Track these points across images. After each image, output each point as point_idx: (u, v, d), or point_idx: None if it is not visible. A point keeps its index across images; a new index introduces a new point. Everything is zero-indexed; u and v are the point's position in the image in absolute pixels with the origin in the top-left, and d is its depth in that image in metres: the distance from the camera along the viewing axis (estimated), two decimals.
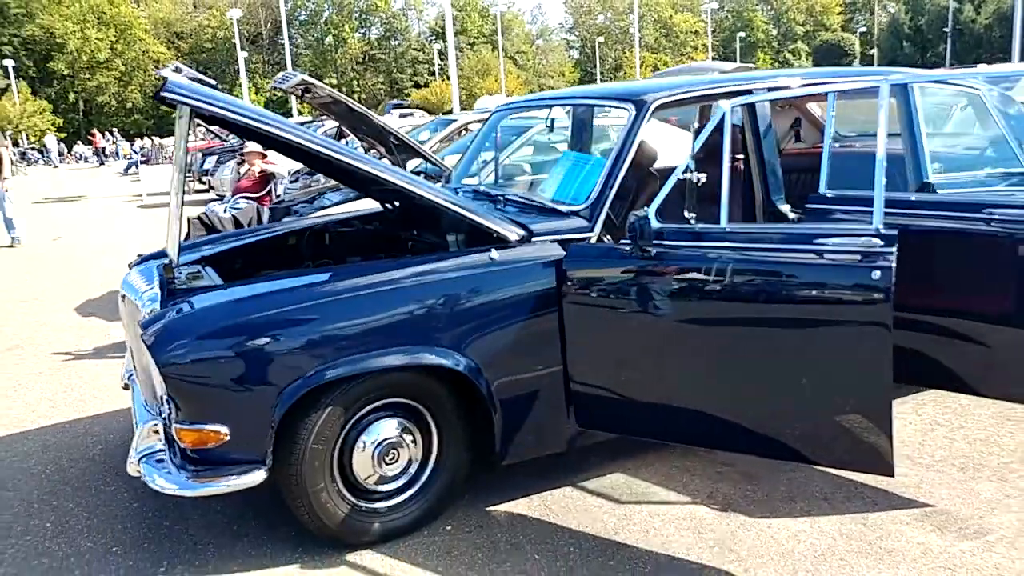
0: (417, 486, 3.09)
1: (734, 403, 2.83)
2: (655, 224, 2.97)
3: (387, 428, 3.00)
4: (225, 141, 20.84)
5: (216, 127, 7.13)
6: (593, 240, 3.26)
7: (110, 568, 2.93)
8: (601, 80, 73.60)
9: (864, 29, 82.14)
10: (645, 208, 2.93)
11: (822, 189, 3.62)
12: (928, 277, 3.25)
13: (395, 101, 40.25)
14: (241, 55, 47.90)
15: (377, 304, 2.88)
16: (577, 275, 3.02)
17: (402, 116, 19.03)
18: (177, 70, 3.37)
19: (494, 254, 3.07)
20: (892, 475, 2.68)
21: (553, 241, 3.18)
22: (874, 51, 73.95)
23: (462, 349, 2.97)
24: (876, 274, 2.48)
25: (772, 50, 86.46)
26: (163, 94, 2.82)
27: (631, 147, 3.36)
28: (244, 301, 2.87)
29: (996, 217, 3.11)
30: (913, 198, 3.41)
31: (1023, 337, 3.06)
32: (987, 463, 3.43)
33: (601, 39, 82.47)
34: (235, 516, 3.25)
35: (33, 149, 39.20)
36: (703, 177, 2.88)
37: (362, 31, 72.45)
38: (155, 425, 2.96)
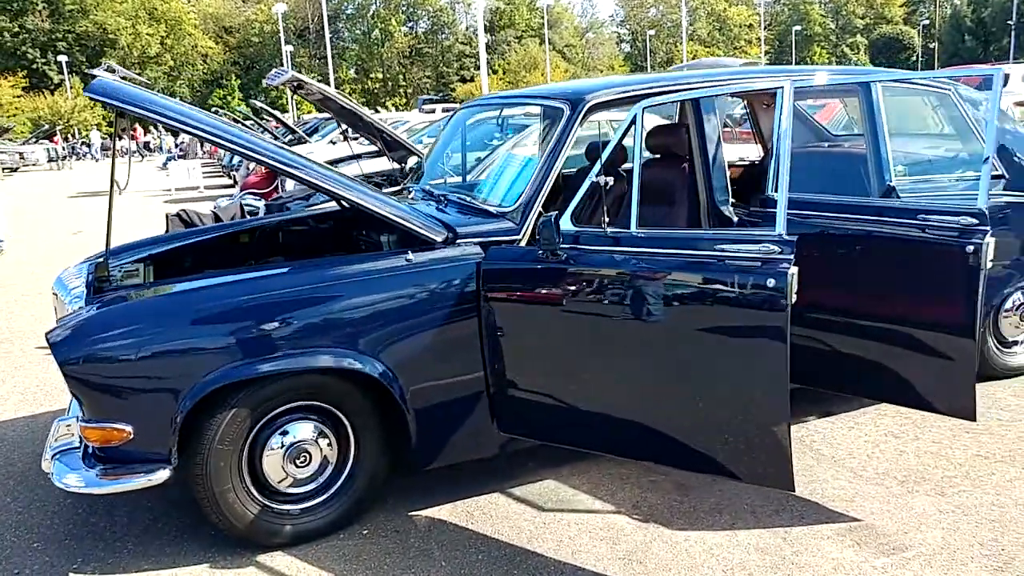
0: (333, 489, 3.08)
1: (640, 411, 2.76)
2: (570, 228, 2.92)
3: (301, 431, 3.00)
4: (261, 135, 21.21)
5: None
6: (523, 243, 3.20)
7: (27, 563, 2.98)
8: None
9: (927, 22, 79.84)
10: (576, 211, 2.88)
11: (769, 191, 3.52)
12: (856, 283, 3.14)
13: (425, 96, 40.32)
14: (286, 49, 48.55)
15: (283, 307, 2.87)
16: (493, 278, 2.98)
17: (423, 112, 19.04)
18: (110, 70, 3.41)
19: (410, 256, 3.03)
20: (793, 490, 2.59)
21: (478, 243, 3.14)
22: (935, 45, 71.97)
23: (375, 353, 2.95)
24: (771, 281, 2.40)
25: (830, 44, 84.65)
26: (86, 93, 2.87)
27: (563, 148, 3.30)
28: (147, 302, 2.89)
29: (929, 223, 2.98)
30: (841, 201, 3.29)
31: (960, 344, 2.93)
32: (930, 476, 3.30)
33: (652, 32, 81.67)
34: (161, 513, 3.28)
35: (83, 144, 40.23)
36: (611, 181, 2.80)
37: (409, 25, 72.80)
38: (69, 423, 3.00)
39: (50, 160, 32.69)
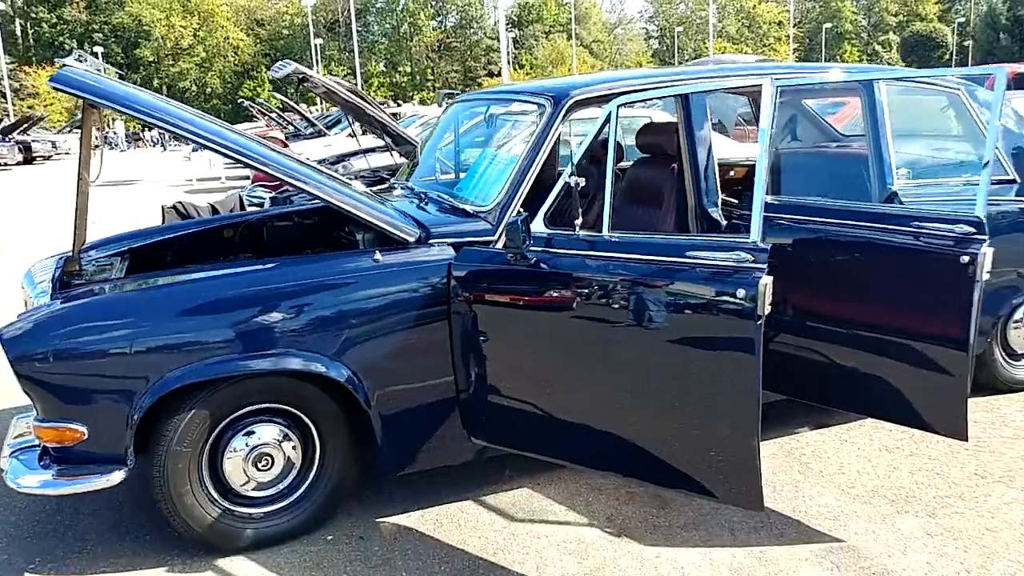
0: (297, 494, 3.00)
1: (609, 423, 2.65)
2: (543, 230, 2.81)
3: (264, 433, 2.92)
4: (283, 127, 21.28)
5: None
6: (499, 245, 3.09)
7: None
8: None
9: (963, 19, 78.29)
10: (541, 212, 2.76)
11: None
12: (848, 291, 2.99)
13: (446, 91, 40.28)
14: (316, 42, 48.80)
15: (243, 307, 2.79)
16: (463, 280, 2.88)
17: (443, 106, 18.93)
18: (80, 59, 3.35)
19: (378, 256, 2.94)
20: (762, 509, 2.46)
21: (452, 244, 3.03)
22: (969, 43, 70.59)
23: (339, 355, 2.85)
24: (742, 291, 2.27)
25: (861, 42, 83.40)
26: (51, 83, 2.80)
27: (545, 145, 3.18)
28: (104, 300, 2.82)
29: (925, 231, 2.83)
30: (834, 206, 3.14)
31: (952, 360, 2.77)
32: (922, 496, 3.15)
33: (680, 29, 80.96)
34: (125, 514, 3.23)
35: (113, 133, 40.71)
36: (582, 181, 2.68)
37: (438, 20, 72.80)
38: (28, 420, 2.94)
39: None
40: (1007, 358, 4.08)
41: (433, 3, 71.87)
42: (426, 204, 3.51)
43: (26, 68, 53.93)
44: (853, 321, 3.02)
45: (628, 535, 2.96)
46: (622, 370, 2.56)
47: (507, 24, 74.40)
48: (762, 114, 2.47)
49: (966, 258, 2.67)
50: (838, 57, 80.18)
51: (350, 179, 7.61)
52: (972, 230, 2.71)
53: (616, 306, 2.53)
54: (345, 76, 59.28)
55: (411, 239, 3.01)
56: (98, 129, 3.25)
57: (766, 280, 2.27)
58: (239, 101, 33.93)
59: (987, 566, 2.69)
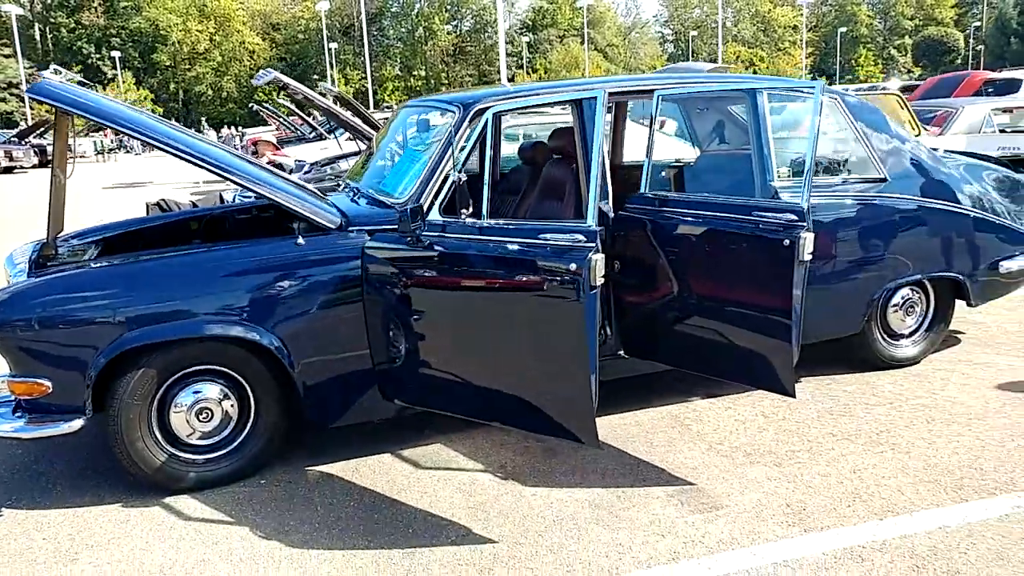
0: (234, 444, 3.52)
1: (483, 378, 3.15)
2: (439, 218, 3.32)
3: (207, 391, 3.45)
4: (294, 131, 21.93)
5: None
6: None
7: None
8: None
9: (978, 24, 78.07)
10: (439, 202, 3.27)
11: (643, 190, 3.87)
12: (703, 271, 3.48)
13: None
14: (331, 46, 49.58)
15: (185, 282, 3.33)
16: (372, 261, 3.39)
17: None
18: (56, 72, 3.90)
19: (300, 240, 3.46)
20: (598, 445, 2.94)
21: (368, 231, 3.55)
22: (981, 48, 70.40)
23: (270, 326, 3.38)
24: (574, 265, 2.76)
25: (876, 46, 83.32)
26: (28, 93, 3.34)
27: (454, 148, 3.67)
28: (67, 276, 3.36)
29: (763, 219, 3.31)
30: (698, 199, 3.63)
31: (779, 327, 3.25)
32: (776, 451, 3.63)
33: (695, 33, 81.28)
34: (92, 462, 3.76)
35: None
36: (463, 177, 3.18)
37: (454, 23, 73.53)
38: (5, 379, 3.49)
39: (97, 153, 33.92)
40: (886, 337, 4.55)
41: (448, 7, 72.60)
42: (358, 198, 4.03)
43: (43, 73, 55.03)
44: (708, 296, 3.51)
45: (515, 479, 3.47)
46: (493, 333, 3.07)
47: (521, 28, 75.15)
48: (596, 121, 2.96)
49: (788, 241, 3.15)
50: (853, 61, 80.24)
51: (332, 178, 8.16)
52: (795, 218, 3.19)
53: (488, 279, 3.04)
54: (359, 80, 60.03)
55: (332, 226, 3.53)
56: (78, 135, 3.78)
57: (595, 257, 2.76)
58: (249, 105, 34.65)
59: (806, 502, 3.17)
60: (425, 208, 3.39)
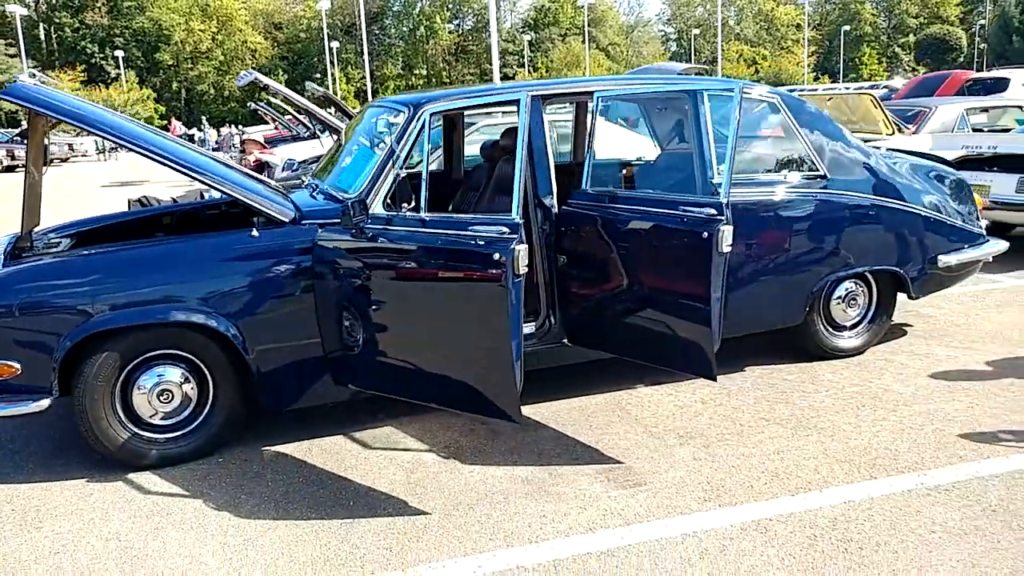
0: (194, 424, 3.74)
1: (420, 361, 3.36)
2: (383, 212, 3.53)
3: (169, 374, 3.66)
4: (290, 131, 22.16)
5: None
6: None
7: None
8: (702, 73, 72.36)
9: (984, 22, 77.89)
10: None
11: (584, 186, 4.08)
12: (634, 262, 3.69)
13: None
14: (333, 45, 49.75)
15: (145, 271, 3.55)
16: (321, 252, 3.60)
17: None
18: (32, 76, 4.12)
19: (255, 232, 3.68)
20: (520, 422, 3.15)
21: (320, 224, 3.76)
22: (984, 46, 70.36)
23: (224, 313, 3.59)
24: (497, 255, 2.97)
25: (880, 44, 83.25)
26: (3, 95, 3.55)
27: (403, 147, 3.87)
28: (36, 266, 3.58)
29: (688, 213, 3.52)
30: (626, 195, 3.85)
31: (699, 314, 3.46)
32: (708, 434, 3.83)
33: (697, 31, 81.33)
34: (63, 441, 3.98)
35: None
36: (403, 173, 3.37)
37: (455, 22, 73.79)
38: None
39: (98, 151, 34.17)
40: (829, 328, 4.75)
41: (450, 6, 72.82)
42: (316, 194, 4.24)
43: (49, 72, 55.43)
44: (639, 286, 3.72)
45: (456, 458, 3.68)
46: (427, 319, 3.28)
47: (523, 27, 75.40)
48: (519, 122, 3.17)
49: (706, 234, 3.35)
50: (856, 60, 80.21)
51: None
52: (715, 212, 3.39)
53: (423, 268, 3.25)
54: (360, 79, 60.29)
55: (287, 220, 3.75)
56: (44, 133, 3.99)
57: (518, 247, 2.97)
58: (248, 104, 34.90)
59: (726, 480, 3.37)
60: (371, 203, 3.61)
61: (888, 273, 4.77)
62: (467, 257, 3.07)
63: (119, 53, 57.16)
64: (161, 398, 3.65)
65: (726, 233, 3.36)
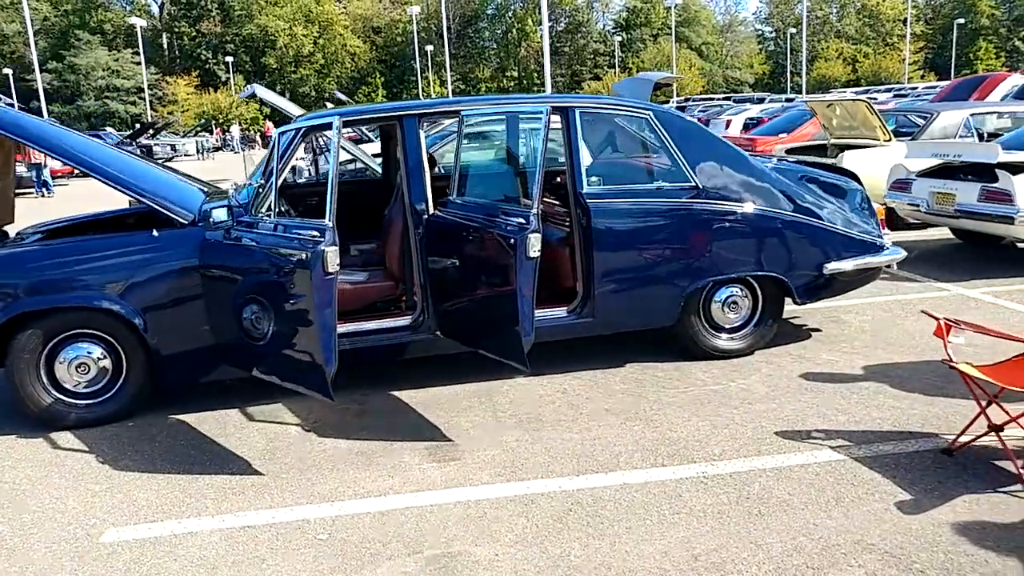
0: (109, 394, 4.43)
1: (271, 345, 3.92)
2: (247, 217, 4.12)
3: (87, 350, 4.36)
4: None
5: None
6: None
7: None
8: (793, 73, 70.71)
9: None
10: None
11: (452, 196, 4.56)
12: (473, 265, 4.16)
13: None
14: (428, 48, 51.19)
15: (63, 263, 4.26)
16: (206, 250, 4.22)
17: None
18: (9, 105, 4.91)
19: (155, 232, 4.33)
20: (331, 399, 3.65)
21: (213, 226, 4.37)
22: None
23: (130, 301, 4.26)
24: (306, 254, 3.51)
25: (999, 38, 78.91)
26: None
27: (282, 161, 4.41)
28: None
29: (508, 222, 3.95)
30: (481, 203, 4.30)
31: (510, 309, 3.88)
32: (549, 420, 4.24)
33: (794, 30, 79.22)
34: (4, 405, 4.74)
35: (231, 137, 44.48)
36: (268, 183, 3.95)
37: (548, 24, 74.35)
38: None
39: (198, 152, 36.47)
40: (708, 328, 5.04)
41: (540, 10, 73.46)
42: (233, 202, 4.86)
43: (168, 78, 59.24)
44: (475, 283, 4.18)
45: (316, 431, 4.23)
46: (270, 307, 3.84)
47: (615, 28, 75.30)
48: (332, 142, 3.70)
49: (514, 240, 3.78)
50: (971, 55, 76.33)
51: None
52: (523, 221, 3.82)
53: (263, 262, 3.83)
54: (454, 82, 61.67)
55: (185, 221, 4.38)
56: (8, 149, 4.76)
57: (326, 248, 3.48)
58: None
59: (531, 459, 3.79)
60: (252, 209, 4.21)
61: (770, 279, 5.03)
62: (288, 255, 3.63)
63: (229, 59, 60.45)
64: (79, 370, 4.35)
65: (533, 240, 3.77)
